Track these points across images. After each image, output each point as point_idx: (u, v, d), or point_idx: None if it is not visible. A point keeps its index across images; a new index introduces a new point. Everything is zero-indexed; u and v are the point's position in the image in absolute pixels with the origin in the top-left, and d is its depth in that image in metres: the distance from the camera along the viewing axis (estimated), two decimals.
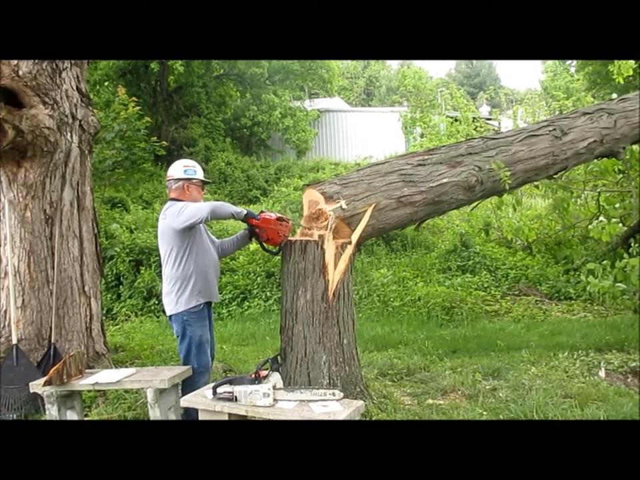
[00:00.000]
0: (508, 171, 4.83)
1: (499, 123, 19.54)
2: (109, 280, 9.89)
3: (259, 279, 9.73)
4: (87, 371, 4.18)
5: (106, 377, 3.95)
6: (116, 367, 5.57)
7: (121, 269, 9.87)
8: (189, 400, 3.57)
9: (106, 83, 17.55)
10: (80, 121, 5.43)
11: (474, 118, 17.43)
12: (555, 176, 5.40)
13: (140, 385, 3.93)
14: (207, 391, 3.60)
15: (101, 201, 10.96)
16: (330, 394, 3.36)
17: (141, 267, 9.90)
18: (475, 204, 5.41)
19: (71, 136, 5.31)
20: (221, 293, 9.36)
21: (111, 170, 10.08)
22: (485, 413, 4.40)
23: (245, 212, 4.19)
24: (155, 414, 3.80)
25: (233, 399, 3.39)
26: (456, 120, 17.45)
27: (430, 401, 4.77)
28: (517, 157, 5.01)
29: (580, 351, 6.05)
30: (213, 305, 4.59)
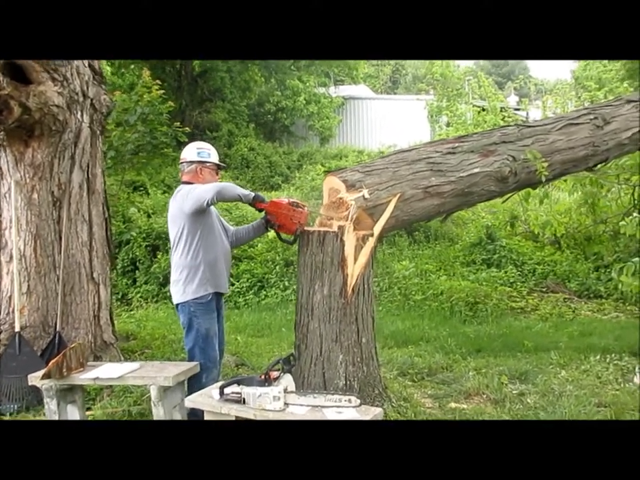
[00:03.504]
0: (545, 161, 4.49)
1: (527, 113, 19.00)
2: (125, 264, 9.77)
3: (277, 267, 9.50)
4: (89, 363, 3.96)
5: (108, 371, 3.72)
6: (125, 357, 5.39)
7: (137, 253, 9.73)
8: (194, 400, 3.34)
9: (132, 66, 17.34)
10: (91, 100, 5.19)
11: (502, 108, 17.00)
12: (594, 168, 5.05)
13: (143, 382, 3.69)
14: (213, 390, 3.35)
15: (120, 184, 10.82)
16: (346, 400, 3.09)
17: (157, 252, 9.74)
18: (506, 196, 5.08)
19: (82, 115, 5.08)
20: (238, 281, 9.19)
21: (132, 154, 9.89)
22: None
23: (253, 195, 3.92)
24: (158, 413, 3.57)
25: (240, 400, 3.14)
26: (483, 109, 17.07)
27: (453, 405, 4.50)
28: (555, 146, 4.67)
29: (613, 355, 5.74)
30: (224, 296, 4.37)
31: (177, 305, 4.05)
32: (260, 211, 4.07)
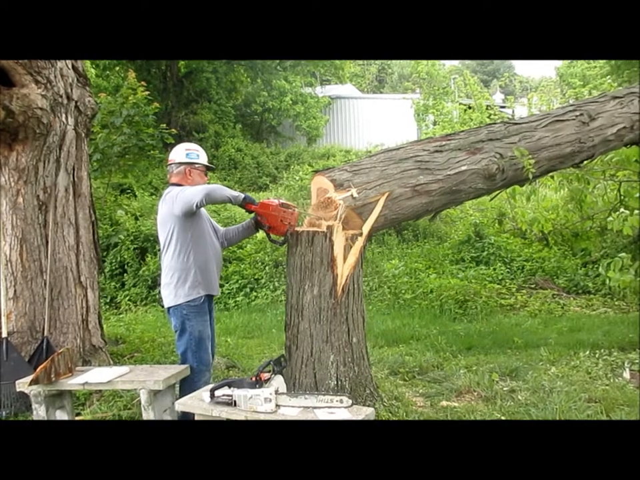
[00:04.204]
0: (531, 158, 4.49)
1: (513, 111, 19.08)
2: (113, 267, 9.71)
3: (267, 268, 9.48)
4: (77, 368, 3.92)
5: (96, 376, 3.68)
6: (114, 361, 5.35)
7: (126, 256, 9.69)
8: (185, 403, 3.31)
9: (117, 68, 17.25)
10: (76, 102, 5.14)
11: (487, 105, 17.04)
12: (580, 165, 5.06)
13: (132, 386, 3.66)
14: (204, 393, 3.33)
15: (107, 186, 10.76)
16: (337, 400, 3.08)
17: (146, 255, 9.69)
18: (494, 194, 5.08)
19: (66, 118, 5.03)
20: (227, 283, 9.16)
21: (118, 156, 9.83)
22: (503, 417, 4.11)
23: (243, 196, 3.88)
24: (148, 417, 3.53)
25: (231, 403, 3.12)
26: (469, 107, 17.09)
27: (444, 403, 4.49)
28: (541, 143, 4.67)
29: (602, 350, 5.75)
30: (214, 298, 4.33)
31: (169, 308, 3.98)
32: (250, 212, 4.03)
